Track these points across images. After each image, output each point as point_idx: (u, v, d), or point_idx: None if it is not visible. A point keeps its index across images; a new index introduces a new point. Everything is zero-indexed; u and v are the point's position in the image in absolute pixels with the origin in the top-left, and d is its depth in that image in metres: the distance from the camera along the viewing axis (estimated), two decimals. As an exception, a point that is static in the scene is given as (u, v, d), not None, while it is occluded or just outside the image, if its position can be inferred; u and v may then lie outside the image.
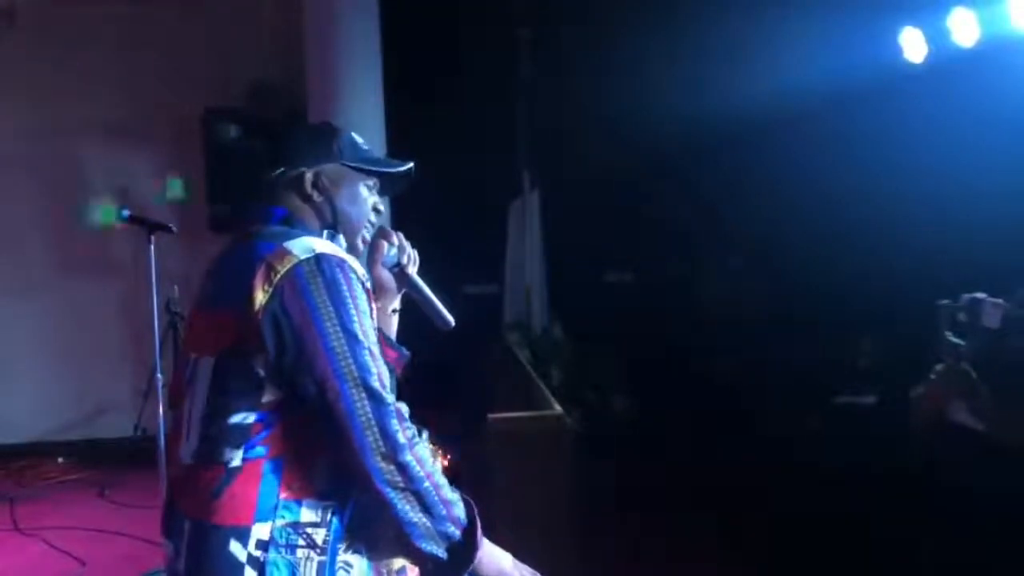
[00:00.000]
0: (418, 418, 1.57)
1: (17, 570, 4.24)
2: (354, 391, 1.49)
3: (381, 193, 1.82)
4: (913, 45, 4.68)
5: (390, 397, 1.52)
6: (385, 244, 1.84)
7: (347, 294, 1.53)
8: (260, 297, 1.51)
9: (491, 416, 3.63)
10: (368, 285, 1.63)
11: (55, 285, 6.24)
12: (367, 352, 1.52)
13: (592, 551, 3.67)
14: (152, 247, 4.21)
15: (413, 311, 1.90)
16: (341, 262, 1.56)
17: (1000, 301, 2.31)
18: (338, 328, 1.51)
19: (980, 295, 2.34)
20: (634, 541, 4.21)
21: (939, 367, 2.43)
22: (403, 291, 1.88)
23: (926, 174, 4.49)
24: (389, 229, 1.85)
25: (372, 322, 1.60)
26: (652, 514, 4.48)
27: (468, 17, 6.05)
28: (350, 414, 1.49)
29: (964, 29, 4.32)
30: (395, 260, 1.84)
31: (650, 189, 6.27)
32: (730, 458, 4.85)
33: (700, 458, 5.02)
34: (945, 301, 2.43)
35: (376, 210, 1.78)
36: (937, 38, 4.52)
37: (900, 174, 4.72)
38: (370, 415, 1.49)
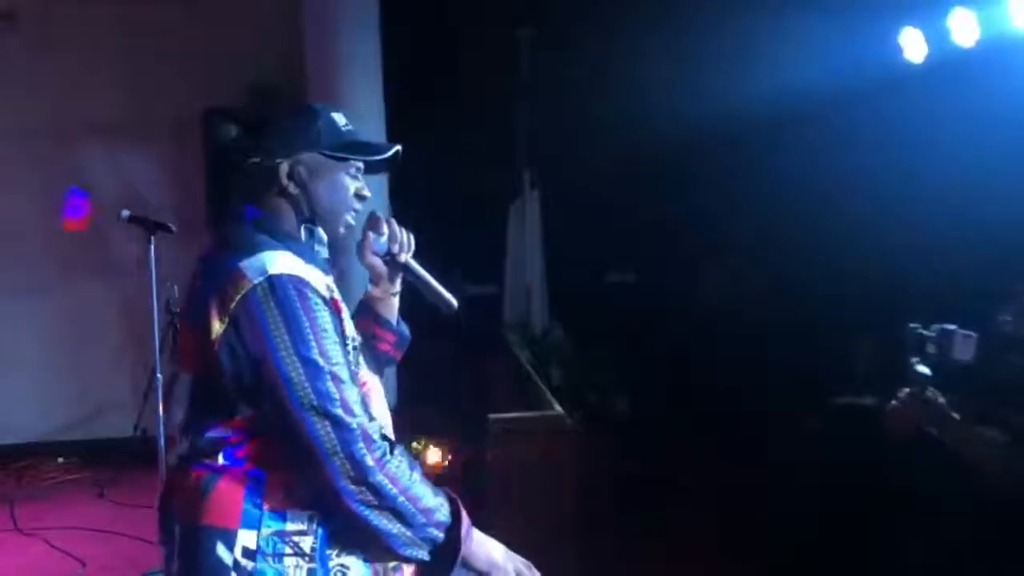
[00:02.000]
0: (412, 423, 1.57)
1: (17, 570, 4.24)
2: (316, 419, 1.47)
3: (372, 171, 1.74)
4: (913, 45, 4.67)
5: (355, 420, 1.49)
6: (371, 235, 1.81)
7: (303, 317, 1.49)
8: (217, 327, 1.49)
9: (491, 416, 3.63)
10: (334, 295, 1.60)
11: (55, 285, 6.23)
12: (328, 377, 1.49)
13: (592, 551, 3.67)
14: (152, 247, 4.21)
15: (418, 309, 1.90)
16: (297, 281, 1.51)
17: (972, 333, 2.24)
18: (294, 357, 1.48)
19: (951, 327, 2.26)
20: (634, 541, 4.21)
21: (903, 393, 2.36)
22: (401, 276, 1.87)
23: (926, 174, 4.49)
24: (379, 217, 1.82)
25: (337, 336, 1.55)
26: (652, 514, 4.47)
27: (468, 17, 6.05)
28: (315, 441, 1.47)
29: (964, 29, 4.31)
30: (385, 248, 1.81)
31: (650, 189, 6.27)
32: (730, 458, 4.85)
33: (700, 458, 5.02)
34: (914, 325, 2.35)
35: (360, 196, 1.70)
36: (937, 38, 4.52)
37: (900, 174, 4.72)
38: (335, 441, 1.47)
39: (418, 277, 1.83)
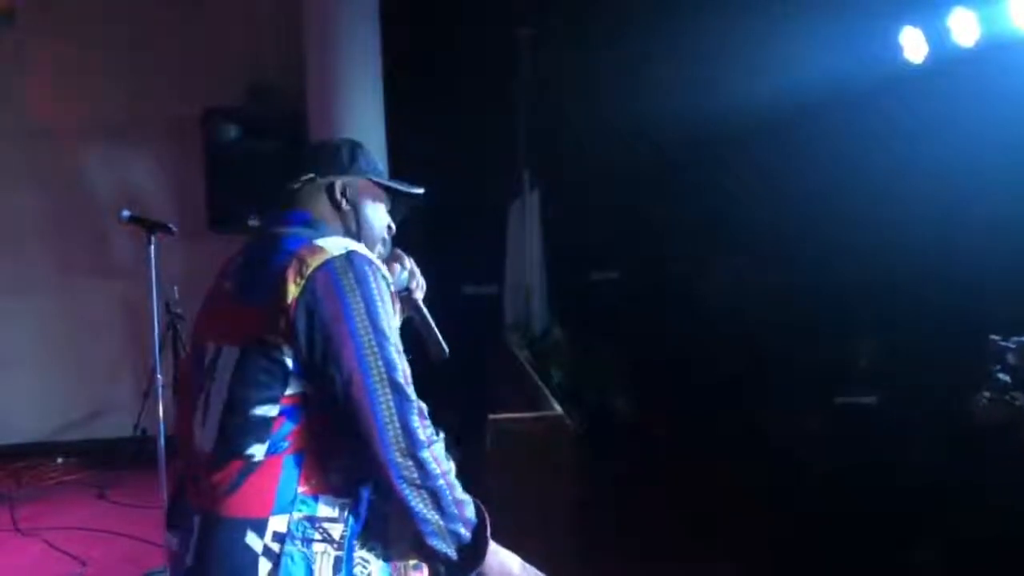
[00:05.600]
0: (438, 419, 1.60)
1: (17, 570, 4.25)
2: (379, 385, 1.52)
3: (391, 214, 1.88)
4: (913, 45, 4.67)
5: (413, 394, 1.56)
6: (397, 267, 1.89)
7: (375, 292, 1.57)
8: (293, 290, 1.54)
9: (491, 416, 3.63)
10: (392, 288, 1.68)
11: (55, 285, 6.24)
12: (393, 348, 1.56)
13: (592, 551, 3.67)
14: (152, 247, 4.21)
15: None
16: (371, 261, 1.61)
17: None
18: (367, 323, 1.54)
19: None
20: (634, 541, 4.21)
21: (984, 398, 2.48)
22: (406, 315, 1.93)
23: (926, 174, 4.48)
24: (402, 253, 1.92)
25: (396, 321, 1.64)
26: (652, 514, 4.48)
27: (468, 17, 6.05)
28: (373, 407, 1.52)
29: (964, 29, 4.31)
30: (405, 284, 1.90)
31: (650, 189, 6.26)
32: (730, 458, 4.85)
33: (700, 458, 5.02)
34: (996, 337, 2.50)
35: (389, 228, 1.85)
36: (937, 38, 4.51)
37: (900, 174, 4.72)
38: (393, 409, 1.52)
39: (423, 318, 1.92)
